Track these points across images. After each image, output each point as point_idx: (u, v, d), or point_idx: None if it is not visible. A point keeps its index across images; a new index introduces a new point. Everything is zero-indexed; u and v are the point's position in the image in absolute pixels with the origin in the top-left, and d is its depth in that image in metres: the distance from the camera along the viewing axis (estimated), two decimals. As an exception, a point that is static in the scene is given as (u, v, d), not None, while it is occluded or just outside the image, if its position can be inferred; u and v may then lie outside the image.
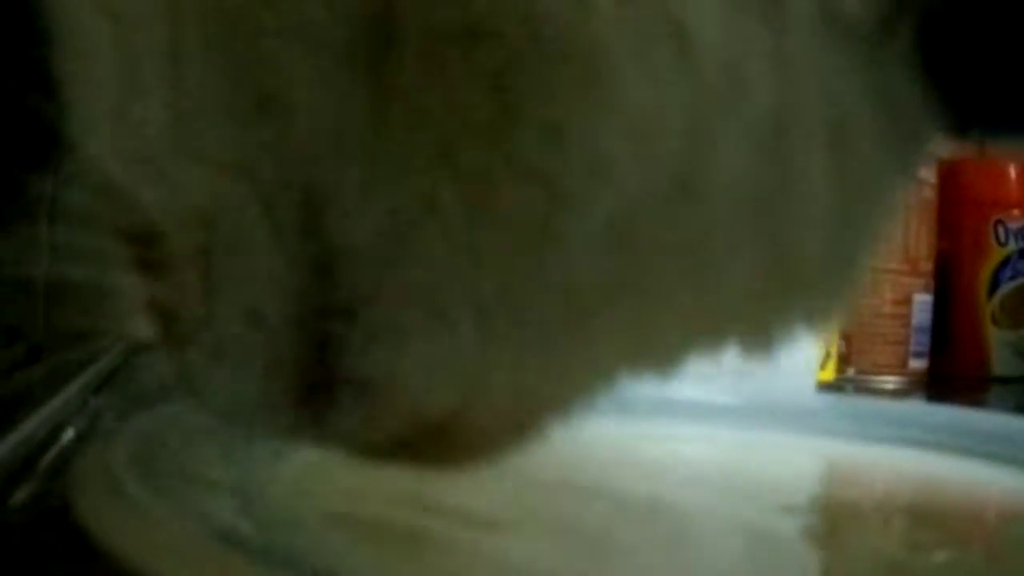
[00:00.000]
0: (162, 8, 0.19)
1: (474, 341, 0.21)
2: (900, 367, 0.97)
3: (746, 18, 0.19)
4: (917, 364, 0.99)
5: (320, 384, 0.22)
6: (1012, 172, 1.07)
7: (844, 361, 0.93)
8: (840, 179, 0.21)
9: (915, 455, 0.47)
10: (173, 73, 0.19)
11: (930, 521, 0.39)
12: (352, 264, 0.20)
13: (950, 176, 1.02)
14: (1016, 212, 1.06)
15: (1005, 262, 1.06)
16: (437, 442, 0.23)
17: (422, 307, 0.20)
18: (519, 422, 0.24)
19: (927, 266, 1.00)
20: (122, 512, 0.23)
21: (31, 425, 0.41)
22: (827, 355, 0.84)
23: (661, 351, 0.23)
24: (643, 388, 0.50)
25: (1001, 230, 1.06)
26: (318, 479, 0.33)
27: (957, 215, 1.06)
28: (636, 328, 0.22)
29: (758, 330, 0.23)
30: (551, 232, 0.20)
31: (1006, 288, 1.06)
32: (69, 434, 0.42)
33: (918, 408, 0.55)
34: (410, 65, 0.19)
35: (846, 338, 0.93)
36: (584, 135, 0.19)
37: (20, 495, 0.33)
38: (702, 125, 0.19)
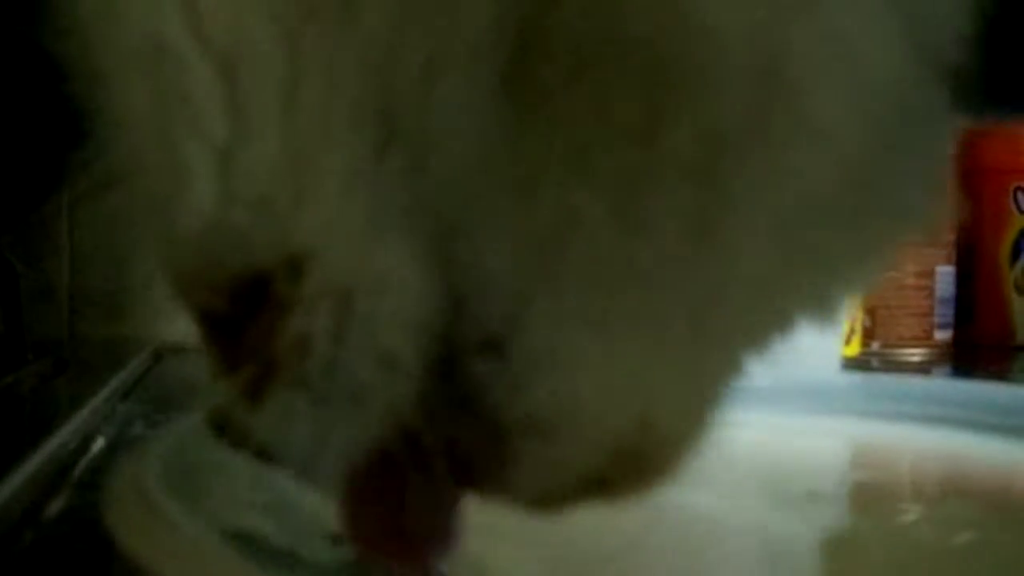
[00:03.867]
0: (280, 45, 0.18)
1: (643, 350, 0.20)
2: (925, 339, 0.97)
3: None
4: (942, 335, 0.98)
5: (478, 438, 0.20)
6: (1030, 140, 1.06)
7: (869, 336, 0.93)
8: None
9: (941, 433, 0.47)
10: (289, 113, 0.18)
11: (957, 501, 0.39)
12: (491, 294, 0.19)
13: (968, 146, 1.01)
14: (1036, 180, 1.05)
15: (1026, 230, 1.06)
16: (631, 468, 0.21)
17: (578, 326, 0.19)
18: (701, 419, 0.22)
19: (948, 237, 0.99)
20: (153, 527, 0.23)
21: (62, 436, 0.41)
22: (851, 330, 0.84)
23: (787, 324, 0.22)
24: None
25: (1021, 198, 1.05)
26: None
27: (976, 185, 1.05)
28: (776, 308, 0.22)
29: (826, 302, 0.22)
30: (711, 233, 0.19)
31: (1028, 256, 1.06)
32: (99, 443, 0.42)
33: (943, 384, 0.54)
34: (554, 73, 0.18)
35: (870, 312, 0.93)
36: (755, 141, 0.18)
37: (54, 507, 0.33)
38: (874, 128, 0.19)
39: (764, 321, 0.22)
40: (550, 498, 0.21)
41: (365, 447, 0.20)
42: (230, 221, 0.19)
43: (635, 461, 0.21)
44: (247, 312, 0.19)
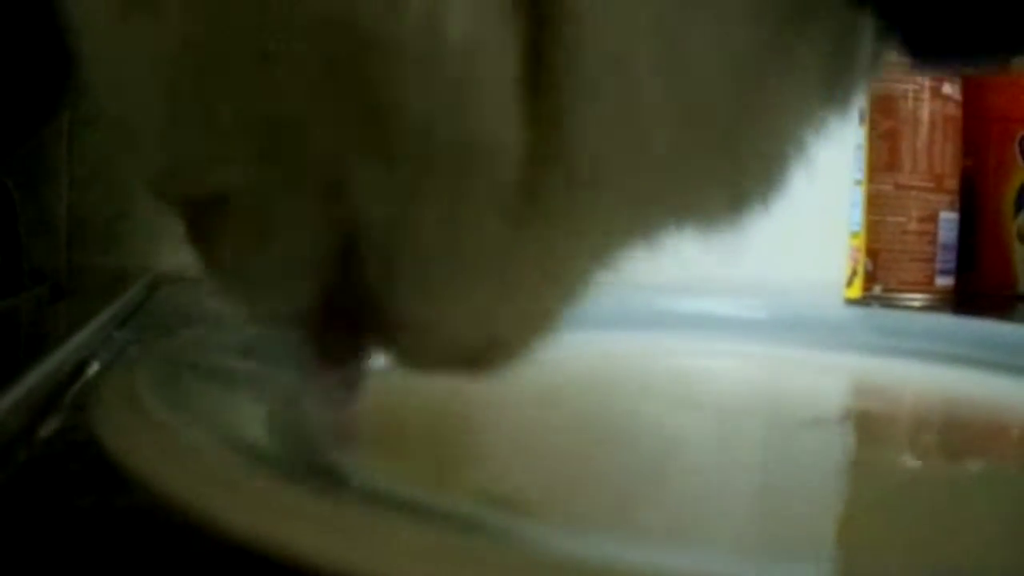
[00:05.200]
0: (168, 61, 0.22)
1: (487, 288, 0.24)
2: (927, 285, 0.97)
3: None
4: (943, 282, 0.98)
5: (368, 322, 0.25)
6: (1038, 89, 1.05)
7: (871, 279, 0.92)
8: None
9: (943, 370, 0.46)
10: (197, 107, 0.23)
11: (960, 435, 0.39)
12: (374, 235, 0.23)
13: (975, 93, 1.01)
14: (1042, 130, 1.04)
15: (1030, 180, 1.05)
16: (480, 363, 0.27)
17: (441, 268, 0.24)
18: (540, 334, 0.27)
19: (952, 183, 0.99)
20: (145, 433, 0.22)
21: (57, 359, 0.41)
22: (854, 273, 0.84)
23: (640, 233, 0.26)
24: (674, 303, 0.50)
25: (1028, 147, 1.05)
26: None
27: (982, 132, 1.05)
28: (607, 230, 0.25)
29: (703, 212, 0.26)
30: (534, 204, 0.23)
31: (1032, 206, 1.05)
32: (94, 367, 0.42)
33: (946, 321, 0.54)
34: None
35: (872, 256, 0.93)
36: None
37: (47, 428, 0.33)
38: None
39: (603, 256, 0.26)
40: (421, 367, 0.27)
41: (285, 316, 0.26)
42: (168, 167, 0.24)
43: (483, 360, 0.27)
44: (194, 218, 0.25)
